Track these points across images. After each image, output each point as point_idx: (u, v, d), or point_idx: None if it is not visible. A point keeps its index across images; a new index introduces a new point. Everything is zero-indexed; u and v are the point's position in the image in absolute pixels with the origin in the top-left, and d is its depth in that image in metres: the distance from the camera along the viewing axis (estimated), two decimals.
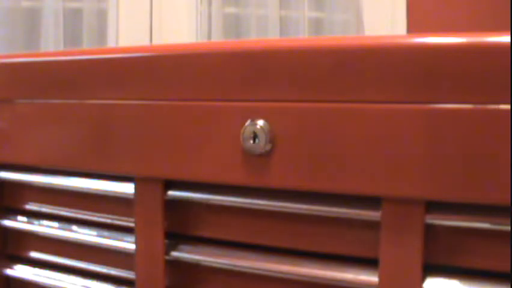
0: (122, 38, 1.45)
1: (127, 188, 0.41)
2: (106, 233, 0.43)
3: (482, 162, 0.29)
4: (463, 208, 0.30)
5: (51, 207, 0.46)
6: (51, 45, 1.39)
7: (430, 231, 0.31)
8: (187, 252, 0.39)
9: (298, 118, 0.33)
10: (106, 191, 0.42)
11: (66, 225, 0.45)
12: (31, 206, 0.48)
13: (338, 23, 1.54)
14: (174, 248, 0.39)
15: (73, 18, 1.44)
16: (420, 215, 0.31)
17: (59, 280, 0.45)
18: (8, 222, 0.48)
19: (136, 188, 0.40)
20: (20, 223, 0.47)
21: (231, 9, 1.52)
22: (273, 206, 0.35)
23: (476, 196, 0.29)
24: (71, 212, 0.45)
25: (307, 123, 0.33)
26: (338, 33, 1.53)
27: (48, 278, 0.46)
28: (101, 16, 1.46)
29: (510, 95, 0.28)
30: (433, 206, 0.31)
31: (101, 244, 0.43)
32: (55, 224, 0.46)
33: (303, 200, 0.34)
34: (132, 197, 0.40)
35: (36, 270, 0.47)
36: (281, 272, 0.36)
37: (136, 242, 0.40)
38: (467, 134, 0.29)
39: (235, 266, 0.37)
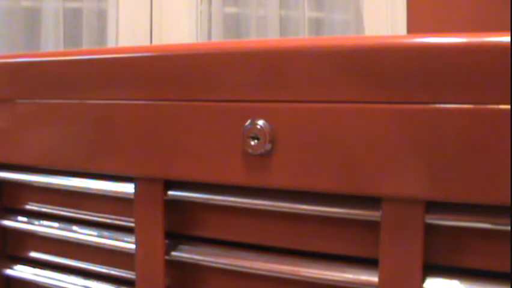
0: (122, 38, 1.45)
1: (127, 188, 0.41)
2: (106, 233, 0.43)
3: (482, 162, 0.29)
4: (463, 208, 0.30)
5: (51, 207, 0.46)
6: (51, 45, 1.39)
7: (430, 231, 0.31)
8: (187, 252, 0.39)
9: (298, 118, 0.33)
10: (106, 191, 0.42)
11: (66, 225, 0.45)
12: (31, 206, 0.48)
13: (338, 23, 1.54)
14: (174, 248, 0.39)
15: (73, 18, 1.44)
16: (420, 215, 0.31)
17: (59, 280, 0.45)
18: (8, 222, 0.48)
19: (136, 188, 0.40)
20: (20, 223, 0.47)
21: (231, 9, 1.51)
22: (273, 206, 0.35)
23: (476, 196, 0.29)
24: (71, 212, 0.45)
25: (307, 123, 0.33)
26: (338, 33, 1.53)
27: (48, 278, 0.46)
28: (101, 16, 1.46)
29: (510, 95, 0.28)
30: (433, 206, 0.31)
31: (101, 244, 0.43)
32: (55, 224, 0.46)
33: (303, 200, 0.34)
34: (132, 197, 0.40)
35: (36, 270, 0.47)
36: (281, 272, 0.36)
37: (136, 242, 0.40)
38: (467, 134, 0.29)
39: (235, 266, 0.37)
